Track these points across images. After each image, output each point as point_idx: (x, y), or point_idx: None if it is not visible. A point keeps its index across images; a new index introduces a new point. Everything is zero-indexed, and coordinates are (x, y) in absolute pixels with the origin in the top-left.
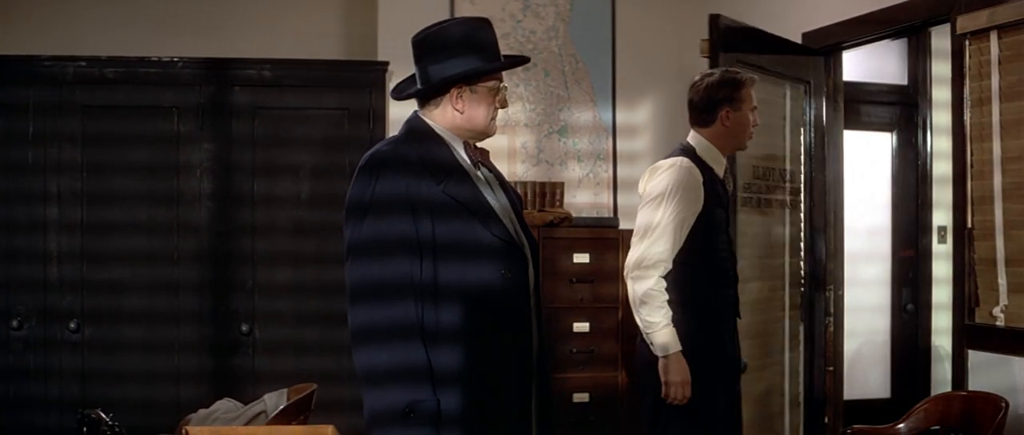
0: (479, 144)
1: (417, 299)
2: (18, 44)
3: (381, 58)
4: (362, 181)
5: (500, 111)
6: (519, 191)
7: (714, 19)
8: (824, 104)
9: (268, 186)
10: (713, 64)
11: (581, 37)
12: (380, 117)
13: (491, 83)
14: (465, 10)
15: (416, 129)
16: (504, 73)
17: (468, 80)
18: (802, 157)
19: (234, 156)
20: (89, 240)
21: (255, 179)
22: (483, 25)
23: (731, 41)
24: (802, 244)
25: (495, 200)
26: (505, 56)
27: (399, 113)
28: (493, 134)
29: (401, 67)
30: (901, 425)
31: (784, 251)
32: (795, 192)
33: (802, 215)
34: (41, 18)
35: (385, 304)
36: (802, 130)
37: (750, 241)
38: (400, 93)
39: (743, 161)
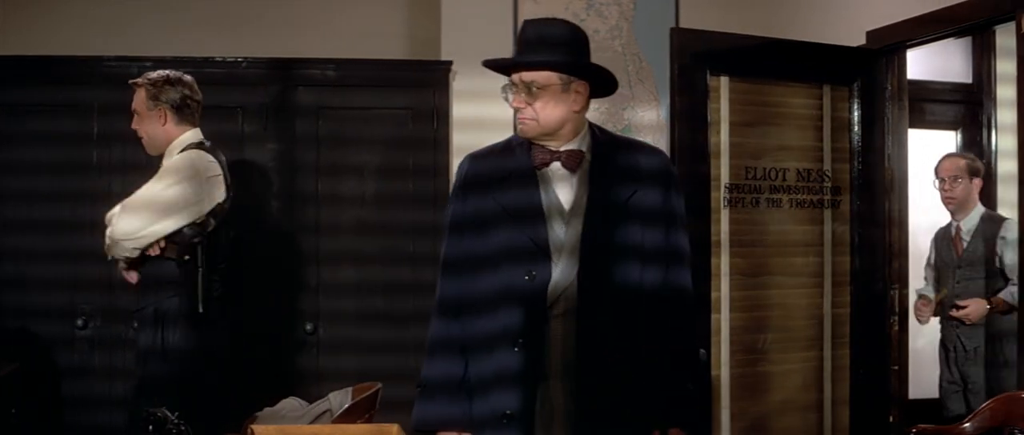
0: None
1: (451, 315)
2: (84, 45)
3: (444, 58)
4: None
5: (528, 110)
6: None
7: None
8: (887, 104)
9: (332, 186)
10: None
11: (645, 36)
12: (444, 117)
13: (514, 79)
14: (528, 10)
15: (513, 136)
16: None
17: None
18: (850, 157)
19: (298, 156)
20: None
21: (319, 179)
22: (535, 25)
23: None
24: (849, 243)
25: (557, 202)
26: (524, 59)
27: (463, 113)
28: (529, 134)
29: (464, 67)
30: (966, 424)
31: (821, 250)
32: (835, 191)
33: (849, 214)
34: (107, 19)
35: (435, 321)
36: (848, 131)
37: (737, 239)
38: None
39: (728, 162)
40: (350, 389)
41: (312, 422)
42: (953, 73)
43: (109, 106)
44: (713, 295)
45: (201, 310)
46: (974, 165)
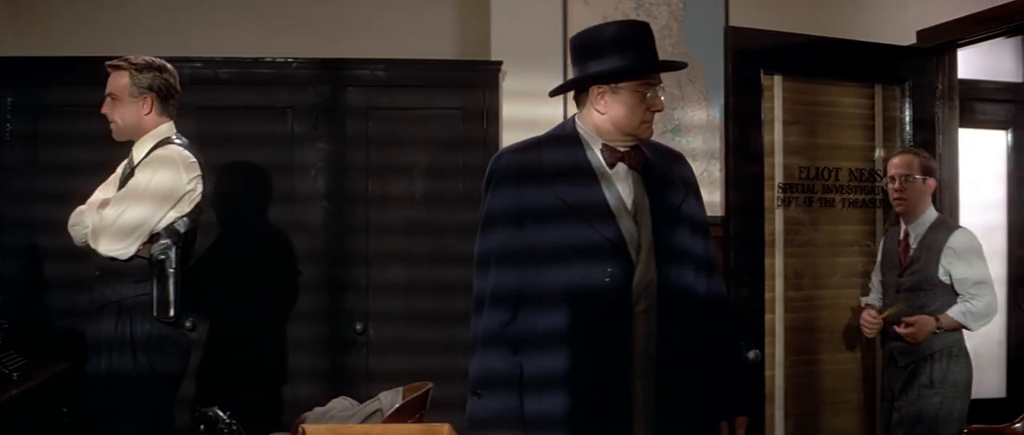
0: None
1: (507, 308)
2: (134, 46)
3: (494, 58)
4: (483, 194)
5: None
6: None
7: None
8: (937, 103)
9: (382, 186)
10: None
11: (694, 36)
12: (494, 117)
13: (634, 85)
14: (579, 10)
15: (559, 130)
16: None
17: (604, 80)
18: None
19: (348, 156)
20: (204, 240)
21: (369, 179)
22: (636, 27)
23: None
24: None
25: (621, 200)
26: (662, 61)
27: (513, 113)
28: (645, 136)
29: (514, 67)
30: (1018, 424)
31: (873, 250)
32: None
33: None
34: (156, 20)
35: (478, 315)
36: (899, 130)
37: (791, 239)
38: (555, 91)
39: (781, 161)
40: (401, 389)
41: (362, 422)
42: (1004, 72)
43: None
44: (767, 295)
45: (172, 313)
46: (928, 163)
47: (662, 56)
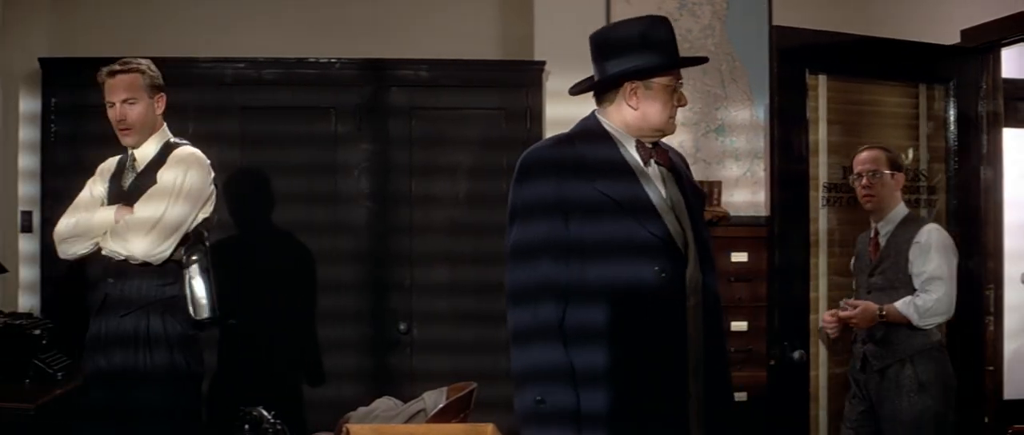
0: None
1: (559, 300)
2: (178, 46)
3: (537, 58)
4: (514, 186)
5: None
6: None
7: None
8: (981, 103)
9: (425, 186)
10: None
11: (738, 35)
12: (537, 117)
13: (666, 80)
14: (621, 9)
15: (586, 127)
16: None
17: (641, 76)
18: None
19: (392, 156)
20: (248, 240)
21: (412, 179)
22: (661, 23)
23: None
24: None
25: (662, 197)
26: (693, 57)
27: (556, 113)
28: (671, 132)
29: (557, 67)
30: None
31: None
32: (931, 191)
33: (945, 214)
34: (200, 20)
35: (526, 307)
36: (944, 130)
37: (835, 239)
38: (577, 89)
39: (826, 161)
40: (445, 389)
41: (407, 421)
42: None
43: (204, 107)
44: (812, 295)
45: (208, 314)
46: (895, 158)
47: (704, 55)
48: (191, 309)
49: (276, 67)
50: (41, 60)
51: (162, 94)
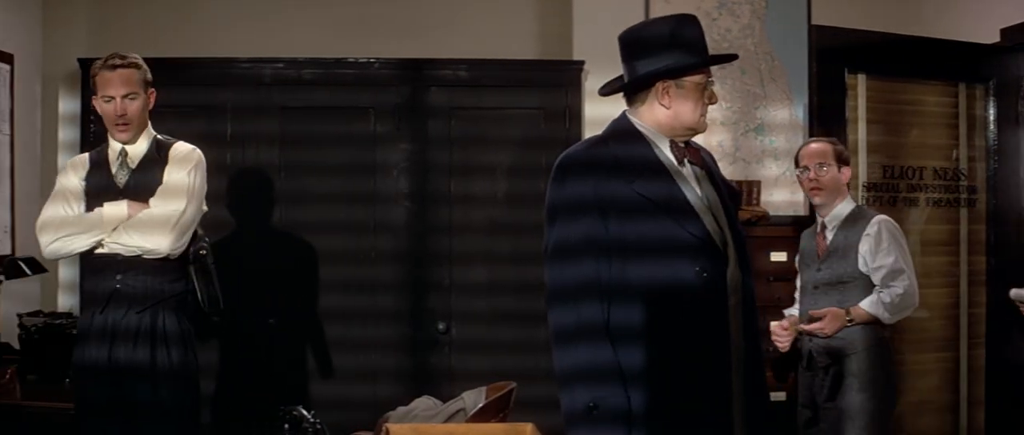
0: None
1: (603, 299)
2: (216, 46)
3: (576, 57)
4: (552, 185)
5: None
6: None
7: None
8: (1020, 101)
9: (465, 186)
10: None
11: (777, 34)
12: (576, 116)
13: (698, 78)
14: (660, 9)
15: (619, 128)
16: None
17: (673, 75)
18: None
19: (431, 156)
20: (287, 240)
21: (452, 179)
22: (689, 21)
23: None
24: (985, 242)
25: (699, 197)
26: (721, 54)
27: (595, 112)
28: (703, 130)
29: (596, 66)
30: None
31: (957, 250)
32: (971, 190)
33: (984, 213)
34: (239, 20)
35: (571, 306)
36: (983, 129)
37: None
38: (607, 89)
39: (866, 160)
40: (484, 388)
41: (446, 421)
42: None
43: (242, 107)
44: None
45: (222, 308)
46: (842, 151)
47: (744, 55)
48: (204, 303)
49: (315, 67)
50: (80, 61)
51: (153, 90)
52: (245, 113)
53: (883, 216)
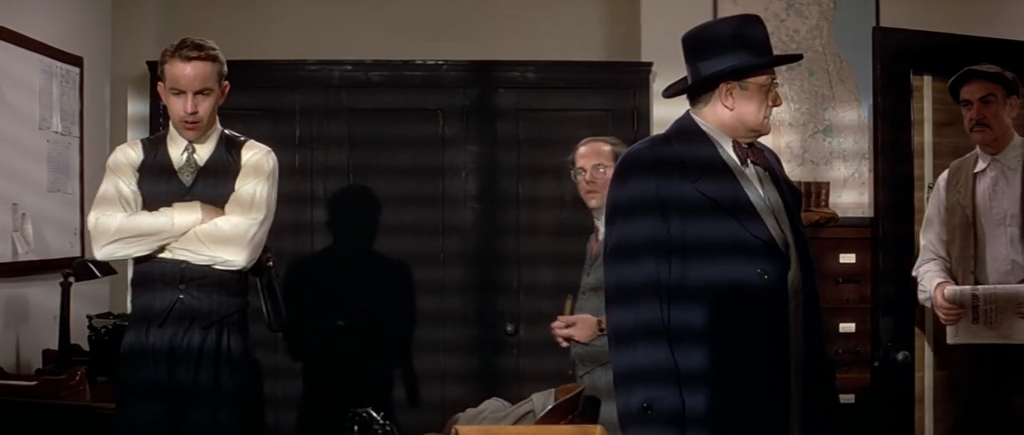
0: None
1: (663, 299)
2: (285, 48)
3: (644, 59)
4: (615, 184)
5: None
6: None
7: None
8: None
9: (532, 187)
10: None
11: (845, 36)
12: (644, 118)
13: (762, 79)
14: (728, 10)
15: (682, 128)
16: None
17: (737, 76)
18: None
19: (499, 158)
20: (356, 242)
21: (519, 180)
22: (753, 22)
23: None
24: None
25: (761, 198)
26: (786, 55)
27: (663, 114)
28: (766, 132)
29: (664, 68)
30: None
31: None
32: None
33: None
34: (307, 22)
35: (629, 306)
36: None
37: None
38: (671, 91)
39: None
40: (553, 390)
41: (515, 423)
42: None
43: (310, 109)
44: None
45: (285, 323)
46: (619, 150)
47: (812, 56)
48: (270, 319)
49: (383, 69)
50: (149, 63)
51: (227, 83)
52: (314, 115)
53: None
